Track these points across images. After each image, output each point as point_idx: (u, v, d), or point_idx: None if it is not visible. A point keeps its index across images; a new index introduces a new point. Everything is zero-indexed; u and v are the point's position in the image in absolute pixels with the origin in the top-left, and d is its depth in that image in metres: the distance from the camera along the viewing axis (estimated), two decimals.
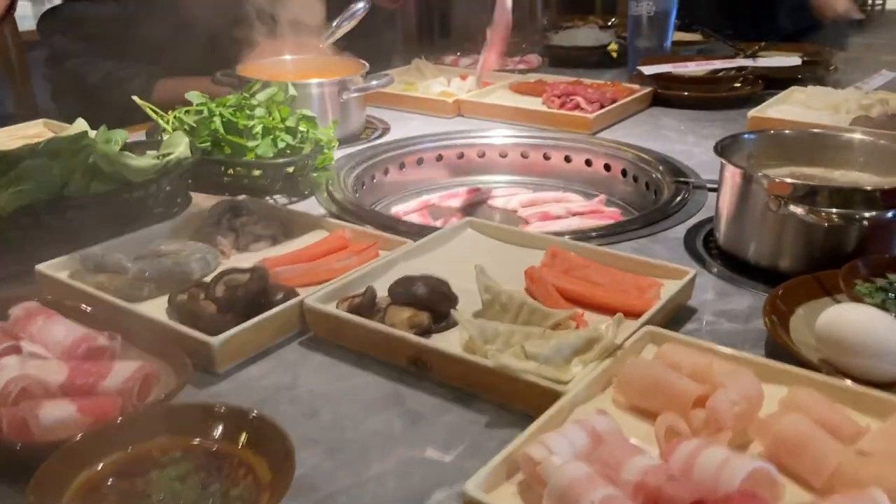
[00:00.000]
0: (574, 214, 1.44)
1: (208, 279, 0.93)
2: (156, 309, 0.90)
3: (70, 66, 1.91)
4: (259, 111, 1.34)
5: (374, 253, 1.02)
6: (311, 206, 1.30)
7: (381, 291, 0.89)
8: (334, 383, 0.83)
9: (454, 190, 1.59)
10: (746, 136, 1.16)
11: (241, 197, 1.15)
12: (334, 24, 1.81)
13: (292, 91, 1.41)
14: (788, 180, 0.98)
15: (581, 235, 1.15)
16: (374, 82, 1.61)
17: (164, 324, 0.85)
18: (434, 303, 0.87)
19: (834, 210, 0.94)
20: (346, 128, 1.62)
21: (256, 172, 1.29)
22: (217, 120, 1.28)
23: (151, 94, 1.86)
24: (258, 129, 1.30)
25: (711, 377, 0.72)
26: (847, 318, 0.81)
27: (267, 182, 1.30)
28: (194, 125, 1.29)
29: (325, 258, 1.01)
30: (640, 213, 1.36)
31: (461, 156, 1.64)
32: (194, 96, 1.33)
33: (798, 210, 0.97)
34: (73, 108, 1.75)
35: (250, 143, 1.29)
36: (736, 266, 1.06)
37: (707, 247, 1.13)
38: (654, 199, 1.43)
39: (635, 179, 1.51)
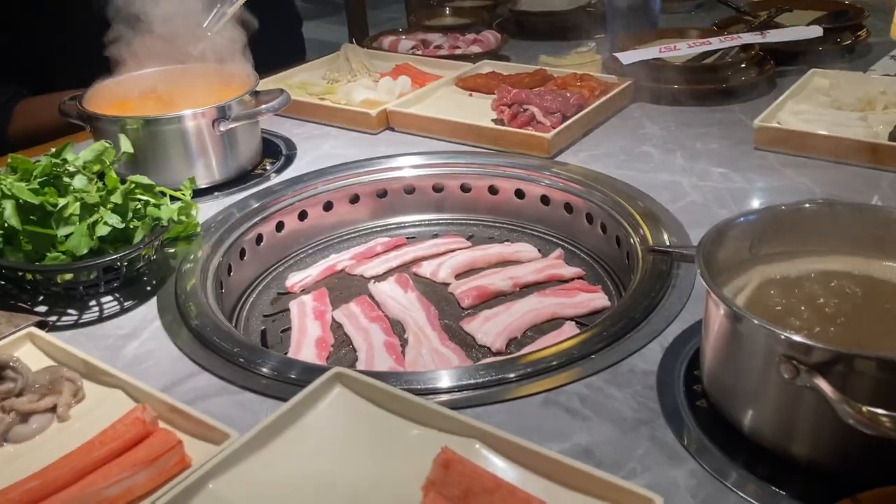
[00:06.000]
0: (522, 286, 1.08)
1: None
2: None
3: None
4: (78, 180, 0.98)
5: (181, 460, 0.67)
6: (152, 312, 0.95)
7: None
8: None
9: (374, 240, 1.23)
10: (743, 219, 0.78)
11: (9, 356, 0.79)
12: (216, 8, 1.42)
13: (126, 146, 1.03)
14: (810, 342, 0.61)
15: (508, 367, 0.80)
16: (264, 106, 1.23)
17: None
18: None
19: (883, 413, 0.58)
20: (230, 166, 1.25)
21: (67, 276, 0.93)
22: (9, 206, 0.92)
23: (8, 123, 1.50)
24: (74, 208, 0.94)
25: None
26: None
27: (82, 288, 0.95)
28: None
29: (100, 472, 0.66)
30: (594, 322, 1.00)
31: (384, 193, 1.27)
32: None
33: (826, 389, 0.60)
34: None
35: (60, 232, 0.93)
36: (732, 439, 0.70)
37: (692, 392, 0.77)
38: (626, 262, 1.07)
39: (603, 229, 1.14)
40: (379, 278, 1.12)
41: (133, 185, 0.97)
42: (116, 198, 0.95)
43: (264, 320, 1.07)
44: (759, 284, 0.77)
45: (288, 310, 1.06)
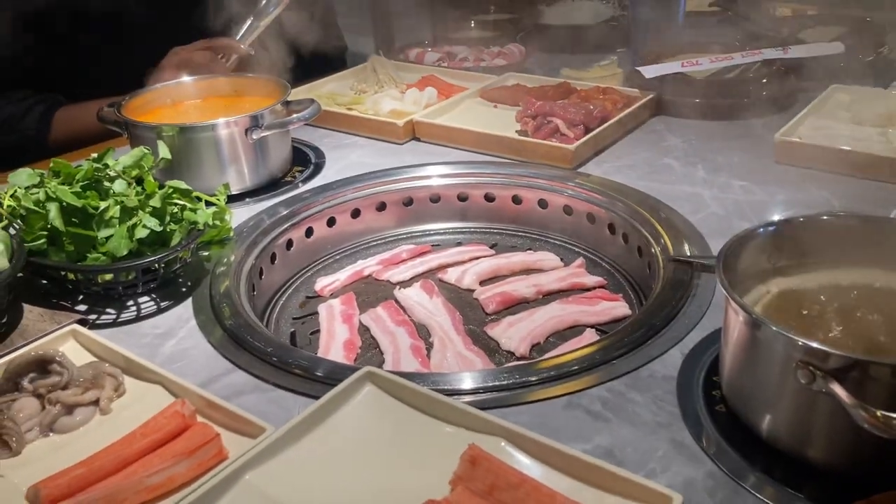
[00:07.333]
0: (545, 294, 1.11)
1: None
2: None
3: None
4: (118, 184, 1.02)
5: (219, 452, 0.71)
6: (187, 312, 0.99)
7: None
8: None
9: (400, 246, 1.26)
10: (763, 230, 0.81)
11: (55, 350, 0.82)
12: (249, 20, 1.47)
13: (164, 153, 1.07)
14: (827, 348, 0.64)
15: (532, 370, 0.83)
16: (295, 116, 1.27)
17: None
18: None
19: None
20: (261, 173, 1.29)
21: (108, 276, 0.97)
22: (54, 208, 0.96)
23: (49, 130, 1.55)
24: (114, 211, 0.98)
25: None
26: None
27: (121, 288, 0.98)
28: (25, 214, 0.97)
29: (141, 462, 0.70)
30: (615, 329, 1.02)
31: (409, 202, 1.30)
32: (22, 177, 1.00)
33: (841, 394, 0.63)
34: None
35: (101, 234, 0.97)
36: (749, 442, 0.72)
37: (710, 397, 0.79)
38: (647, 272, 1.09)
39: (625, 239, 1.16)
40: (405, 284, 1.15)
41: (171, 190, 1.01)
42: (155, 202, 0.99)
43: (293, 322, 1.10)
44: (777, 294, 0.79)
45: (316, 313, 1.09)
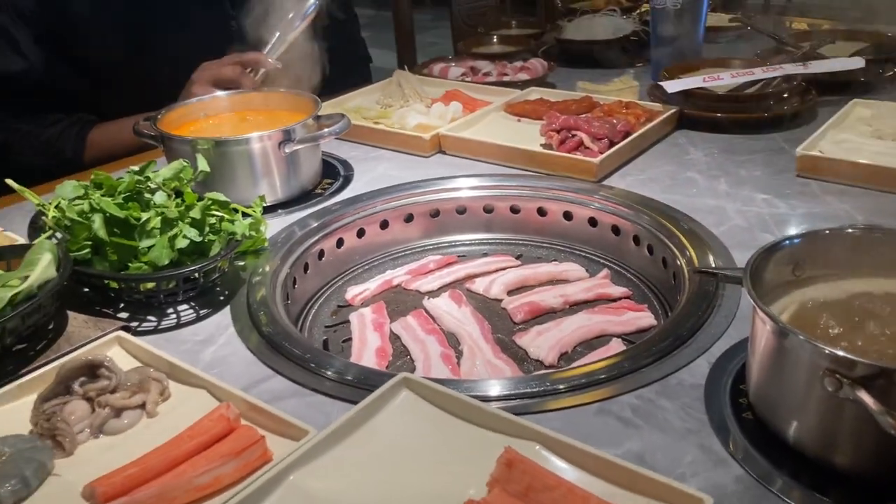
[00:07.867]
0: (572, 304, 1.13)
1: None
2: None
3: None
4: (159, 196, 1.05)
5: (264, 454, 0.73)
6: (225, 319, 1.02)
7: None
8: None
9: (427, 257, 1.29)
10: (787, 242, 0.83)
11: (102, 355, 0.86)
12: (276, 35, 1.51)
13: (203, 166, 1.11)
14: (854, 357, 0.66)
15: (563, 378, 0.85)
16: (326, 130, 1.30)
17: None
18: None
19: None
20: (293, 185, 1.32)
21: (150, 285, 1.00)
22: (98, 219, 0.99)
23: (84, 149, 1.60)
24: (155, 222, 1.01)
25: None
26: None
27: (162, 297, 1.01)
28: (70, 225, 1.00)
29: (190, 462, 0.72)
30: (641, 339, 1.05)
31: (436, 213, 1.33)
32: (67, 189, 1.04)
33: (868, 401, 0.65)
34: None
35: (143, 244, 1.00)
36: (776, 448, 0.74)
37: (737, 404, 0.81)
38: (672, 283, 1.12)
39: (650, 251, 1.19)
40: (433, 293, 1.17)
41: (210, 202, 1.04)
42: (195, 213, 1.02)
43: (326, 330, 1.13)
44: (802, 304, 0.81)
45: (348, 321, 1.12)
